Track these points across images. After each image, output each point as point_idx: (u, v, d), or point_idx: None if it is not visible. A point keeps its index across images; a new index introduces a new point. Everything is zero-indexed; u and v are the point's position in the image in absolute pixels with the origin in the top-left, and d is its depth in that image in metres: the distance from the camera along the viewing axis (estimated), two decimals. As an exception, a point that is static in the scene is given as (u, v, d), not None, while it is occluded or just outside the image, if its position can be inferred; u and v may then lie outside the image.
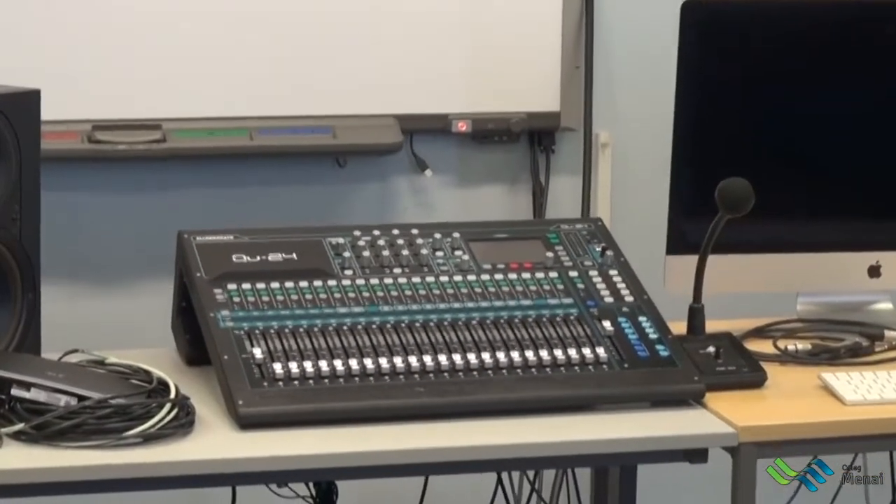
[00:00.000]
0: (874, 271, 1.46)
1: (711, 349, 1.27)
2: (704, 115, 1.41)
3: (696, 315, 1.32)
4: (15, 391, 1.08)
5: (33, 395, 1.08)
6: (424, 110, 1.98)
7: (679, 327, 1.31)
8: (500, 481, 1.70)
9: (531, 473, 1.89)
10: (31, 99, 1.25)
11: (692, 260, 1.30)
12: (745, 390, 1.23)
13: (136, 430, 1.03)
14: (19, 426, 1.03)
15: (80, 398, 1.07)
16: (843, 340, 1.42)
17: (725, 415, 1.15)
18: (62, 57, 1.85)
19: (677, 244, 1.40)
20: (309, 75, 1.95)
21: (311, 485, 1.38)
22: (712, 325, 1.35)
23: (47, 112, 1.28)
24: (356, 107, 1.94)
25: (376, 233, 1.34)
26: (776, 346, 1.39)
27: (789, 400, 1.24)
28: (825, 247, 1.45)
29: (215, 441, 1.06)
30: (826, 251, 1.45)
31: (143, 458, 1.01)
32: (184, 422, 1.06)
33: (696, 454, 1.13)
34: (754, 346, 1.39)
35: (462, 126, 1.98)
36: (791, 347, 1.39)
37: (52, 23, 1.85)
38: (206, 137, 1.90)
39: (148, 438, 1.03)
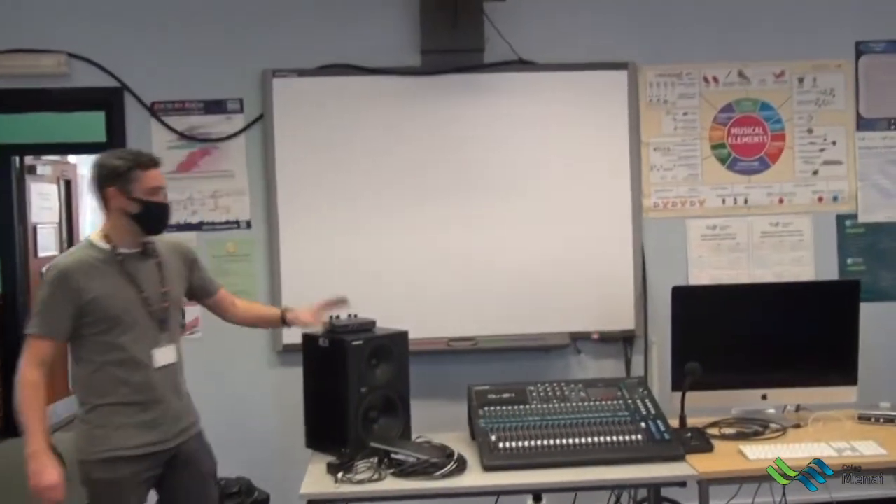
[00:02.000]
0: (763, 397, 2.95)
1: (689, 434, 2.73)
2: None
3: (682, 420, 2.81)
4: (392, 455, 2.60)
5: (400, 457, 2.58)
6: (580, 329, 3.76)
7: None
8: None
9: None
10: (403, 336, 2.89)
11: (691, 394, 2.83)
12: (703, 454, 2.63)
13: (438, 474, 2.51)
14: (391, 470, 2.54)
15: (417, 458, 2.57)
16: (751, 429, 2.84)
17: (694, 465, 2.54)
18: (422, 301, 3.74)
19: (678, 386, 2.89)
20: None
21: None
22: (695, 420, 2.85)
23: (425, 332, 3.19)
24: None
25: (546, 385, 2.91)
26: (720, 432, 2.82)
27: (721, 458, 2.60)
28: (744, 385, 2.94)
29: (474, 477, 2.54)
30: (743, 388, 2.95)
31: (440, 485, 2.49)
32: (458, 470, 2.53)
33: (678, 483, 2.56)
34: (712, 430, 2.84)
35: (595, 336, 3.74)
36: (727, 431, 2.82)
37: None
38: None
39: (444, 476, 2.51)
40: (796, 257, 3.84)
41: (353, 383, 2.71)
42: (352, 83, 3.71)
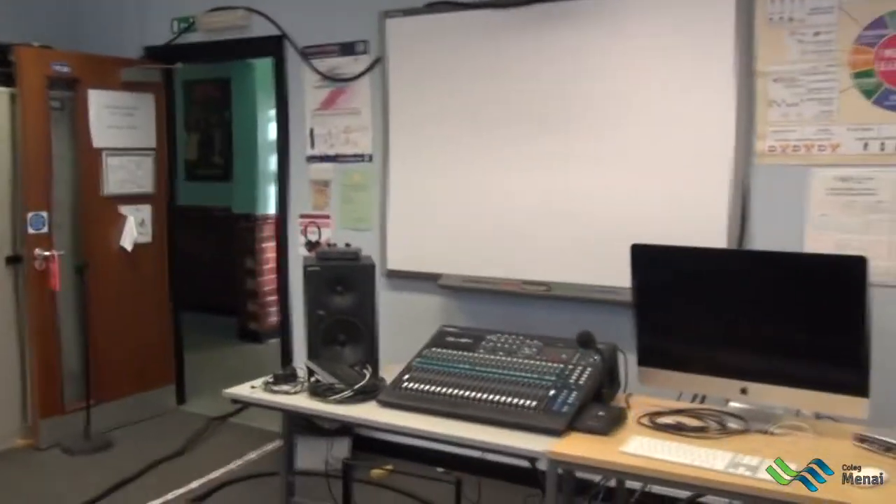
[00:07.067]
0: (743, 390, 2.35)
1: (602, 413, 2.34)
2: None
3: (598, 396, 2.42)
4: (315, 375, 2.77)
5: (318, 377, 2.74)
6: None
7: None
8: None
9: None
10: (369, 269, 2.96)
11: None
12: (592, 435, 2.25)
13: (331, 398, 2.61)
14: (306, 390, 2.71)
15: (332, 381, 2.69)
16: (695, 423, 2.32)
17: (564, 444, 2.20)
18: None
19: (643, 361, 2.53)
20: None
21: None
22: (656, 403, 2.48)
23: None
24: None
25: (507, 336, 2.77)
26: (654, 421, 2.34)
27: (600, 444, 2.19)
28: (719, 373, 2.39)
29: (363, 409, 2.58)
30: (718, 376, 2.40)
31: (326, 408, 2.60)
32: (354, 398, 2.60)
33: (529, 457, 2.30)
34: (664, 417, 2.38)
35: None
36: (664, 420, 2.34)
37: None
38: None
39: (344, 401, 2.59)
40: (971, 225, 2.79)
41: (310, 305, 2.92)
42: (453, 20, 3.73)
